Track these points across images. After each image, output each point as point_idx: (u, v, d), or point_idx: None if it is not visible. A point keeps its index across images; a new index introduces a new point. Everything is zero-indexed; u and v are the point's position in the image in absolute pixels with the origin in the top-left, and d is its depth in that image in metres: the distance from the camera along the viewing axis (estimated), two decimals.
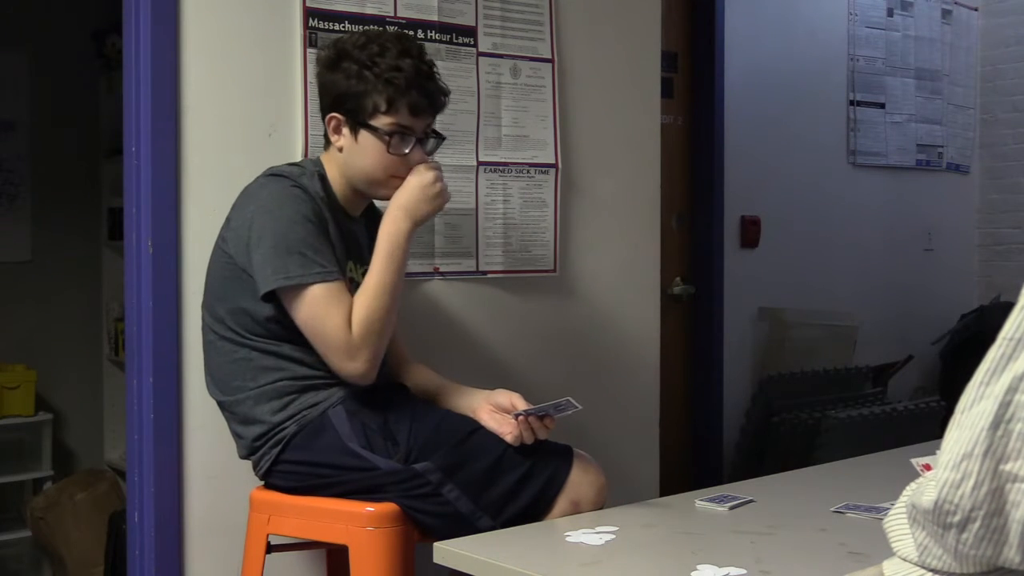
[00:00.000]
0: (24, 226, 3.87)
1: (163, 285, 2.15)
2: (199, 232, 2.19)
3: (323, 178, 2.01)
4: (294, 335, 1.90)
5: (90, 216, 3.96)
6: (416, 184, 1.96)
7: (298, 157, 2.30)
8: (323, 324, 1.84)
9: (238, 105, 2.26)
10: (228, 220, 1.98)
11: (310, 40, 2.32)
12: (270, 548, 1.99)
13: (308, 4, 2.32)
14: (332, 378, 1.92)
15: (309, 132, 2.31)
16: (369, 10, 2.40)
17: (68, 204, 3.91)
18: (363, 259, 2.04)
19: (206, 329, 2.00)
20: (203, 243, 2.18)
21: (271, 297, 1.87)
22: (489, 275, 2.63)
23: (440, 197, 1.98)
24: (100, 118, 3.92)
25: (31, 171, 3.88)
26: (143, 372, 2.16)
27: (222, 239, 1.97)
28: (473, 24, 2.58)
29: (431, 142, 2.05)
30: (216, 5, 2.22)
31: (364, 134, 1.97)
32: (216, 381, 1.99)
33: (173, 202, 2.17)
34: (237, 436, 1.98)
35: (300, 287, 1.84)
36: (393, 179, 1.99)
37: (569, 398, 1.88)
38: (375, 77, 1.94)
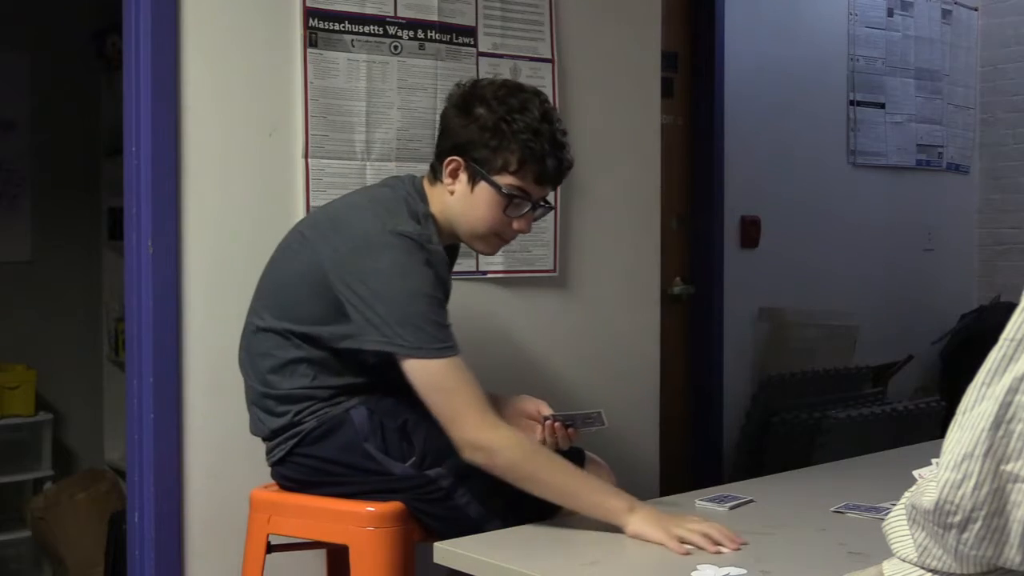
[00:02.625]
0: (24, 226, 3.87)
1: (163, 285, 2.15)
2: (199, 232, 2.19)
3: (434, 220, 1.96)
4: (356, 366, 1.88)
5: (90, 216, 3.95)
6: (679, 525, 1.70)
7: (298, 157, 2.30)
8: (450, 400, 1.79)
9: (238, 105, 2.26)
10: (338, 246, 1.87)
11: (310, 40, 2.32)
12: (270, 548, 1.99)
13: (308, 4, 2.32)
14: (360, 392, 1.91)
15: (309, 132, 2.31)
16: (369, 10, 2.40)
17: (68, 204, 3.91)
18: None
19: (255, 314, 1.95)
20: (203, 243, 2.18)
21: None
22: (489, 275, 2.63)
23: (669, 538, 1.68)
24: (100, 118, 3.91)
25: (31, 171, 3.88)
26: (143, 372, 2.16)
27: (318, 252, 1.88)
28: (473, 24, 2.58)
29: (540, 210, 2.01)
30: (216, 5, 2.22)
31: (483, 187, 1.91)
32: (252, 362, 1.96)
33: (173, 202, 2.17)
34: (257, 420, 1.96)
35: (415, 358, 1.79)
36: (494, 237, 1.97)
37: (601, 411, 1.87)
38: (512, 134, 1.89)
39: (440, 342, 1.80)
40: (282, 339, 1.91)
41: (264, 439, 1.96)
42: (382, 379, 1.90)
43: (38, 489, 3.69)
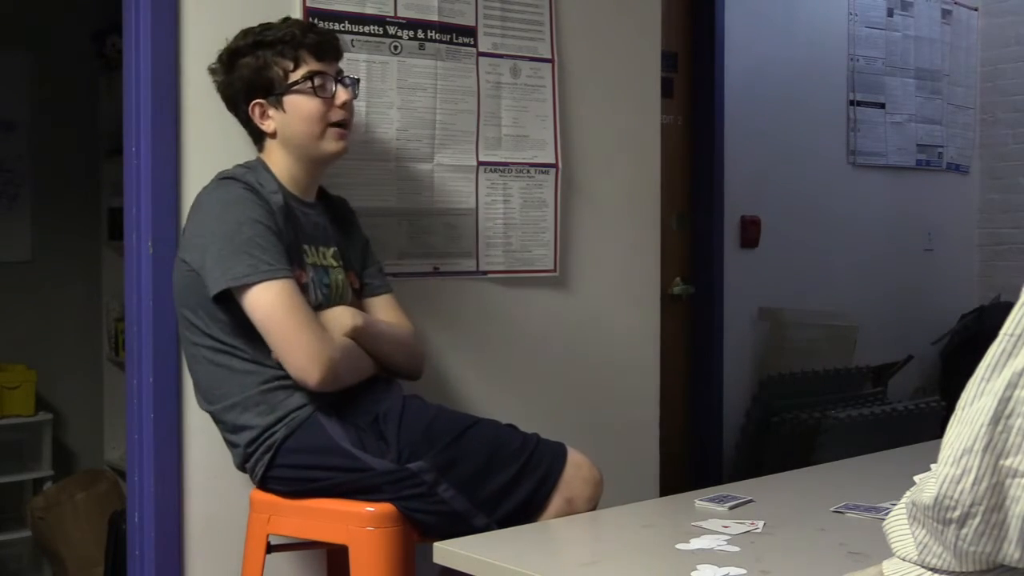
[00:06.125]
0: (24, 226, 3.87)
1: (163, 285, 2.15)
2: None
3: (269, 171, 2.02)
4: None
5: (90, 216, 3.95)
6: None
7: None
8: (283, 327, 1.84)
9: None
10: (184, 230, 2.01)
11: None
12: (270, 548, 1.99)
13: (308, 4, 2.32)
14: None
15: None
16: (369, 10, 2.40)
17: (68, 204, 3.91)
18: (326, 242, 2.06)
19: (184, 341, 2.01)
20: None
21: (223, 299, 1.88)
22: (489, 275, 2.63)
23: None
24: (100, 118, 3.91)
25: (31, 171, 3.87)
26: (143, 372, 2.16)
27: (181, 248, 1.99)
28: (473, 24, 2.58)
29: (349, 84, 2.07)
30: (216, 5, 2.22)
31: (288, 98, 2.00)
32: (203, 392, 2.00)
33: (173, 202, 2.17)
34: (230, 444, 1.98)
35: (247, 286, 1.84)
36: (331, 128, 2.02)
37: None
38: (269, 44, 1.99)
39: (268, 265, 1.84)
40: (208, 349, 1.94)
41: (244, 462, 1.97)
42: None
43: (38, 489, 3.69)
